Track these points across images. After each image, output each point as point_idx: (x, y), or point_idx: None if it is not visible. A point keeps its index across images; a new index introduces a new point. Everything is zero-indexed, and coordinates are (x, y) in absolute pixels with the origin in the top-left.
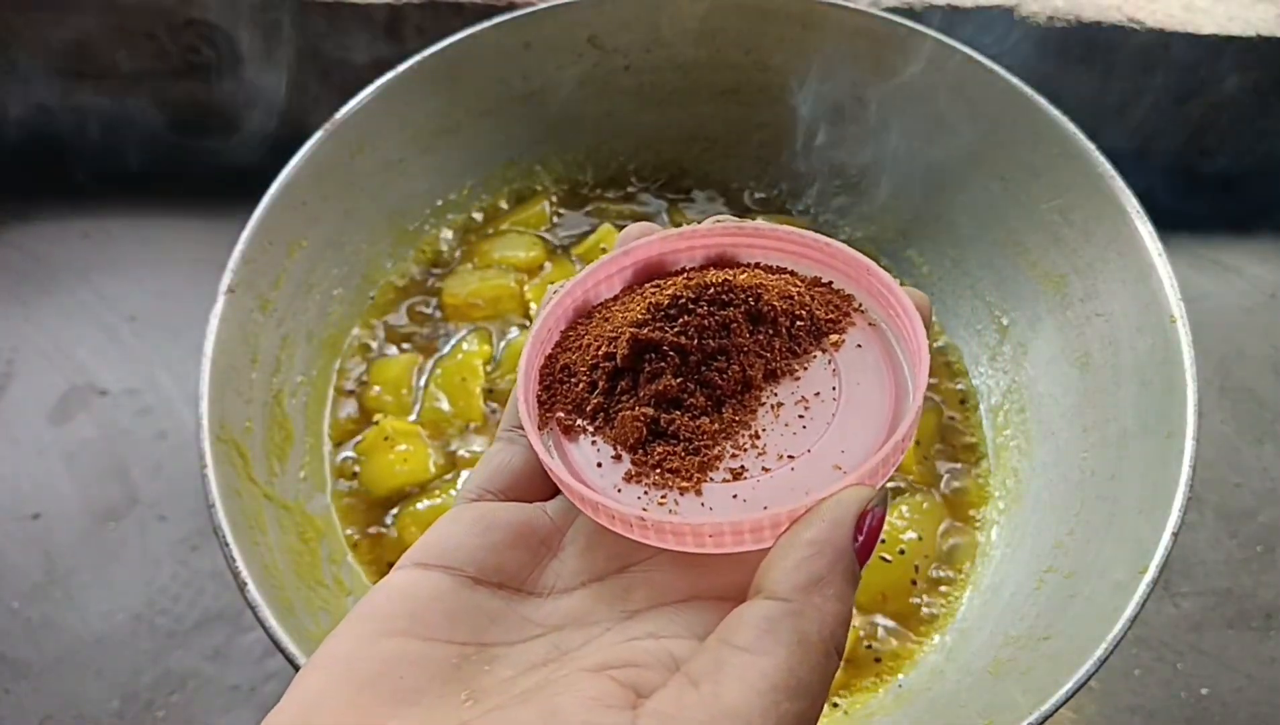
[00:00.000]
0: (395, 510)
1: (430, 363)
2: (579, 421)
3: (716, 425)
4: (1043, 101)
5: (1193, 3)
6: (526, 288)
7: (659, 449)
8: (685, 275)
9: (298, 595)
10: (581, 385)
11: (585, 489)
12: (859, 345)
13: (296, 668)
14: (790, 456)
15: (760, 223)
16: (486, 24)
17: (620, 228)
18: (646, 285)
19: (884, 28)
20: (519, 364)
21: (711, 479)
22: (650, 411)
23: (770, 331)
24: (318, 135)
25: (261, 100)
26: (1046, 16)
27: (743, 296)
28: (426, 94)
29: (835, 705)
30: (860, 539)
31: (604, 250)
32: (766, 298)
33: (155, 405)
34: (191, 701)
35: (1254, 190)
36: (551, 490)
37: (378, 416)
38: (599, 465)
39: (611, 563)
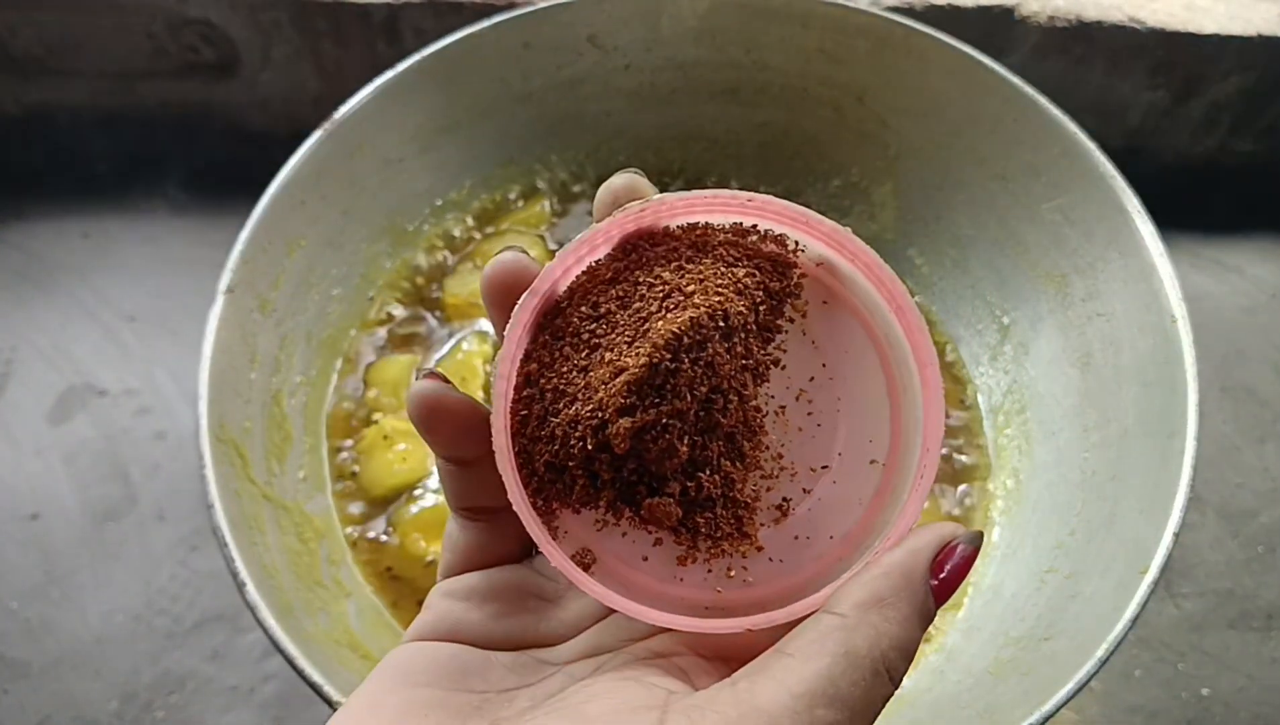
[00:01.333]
0: (394, 510)
1: (430, 363)
2: (595, 517)
3: (739, 464)
4: (1044, 101)
5: (1194, 2)
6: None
7: (699, 519)
8: (626, 323)
9: (297, 596)
10: (580, 482)
11: (656, 613)
12: (823, 301)
13: (296, 668)
14: (824, 466)
15: (663, 196)
16: (486, 23)
17: None
18: (577, 331)
19: (884, 27)
20: (495, 454)
21: (763, 526)
22: (677, 486)
23: (743, 336)
24: (317, 135)
25: (260, 99)
26: (1047, 16)
27: (713, 325)
28: (426, 93)
29: None
30: (941, 576)
31: None
32: (733, 310)
33: (154, 405)
34: (190, 702)
35: (1255, 190)
36: (528, 548)
37: (377, 416)
38: (645, 559)
39: None
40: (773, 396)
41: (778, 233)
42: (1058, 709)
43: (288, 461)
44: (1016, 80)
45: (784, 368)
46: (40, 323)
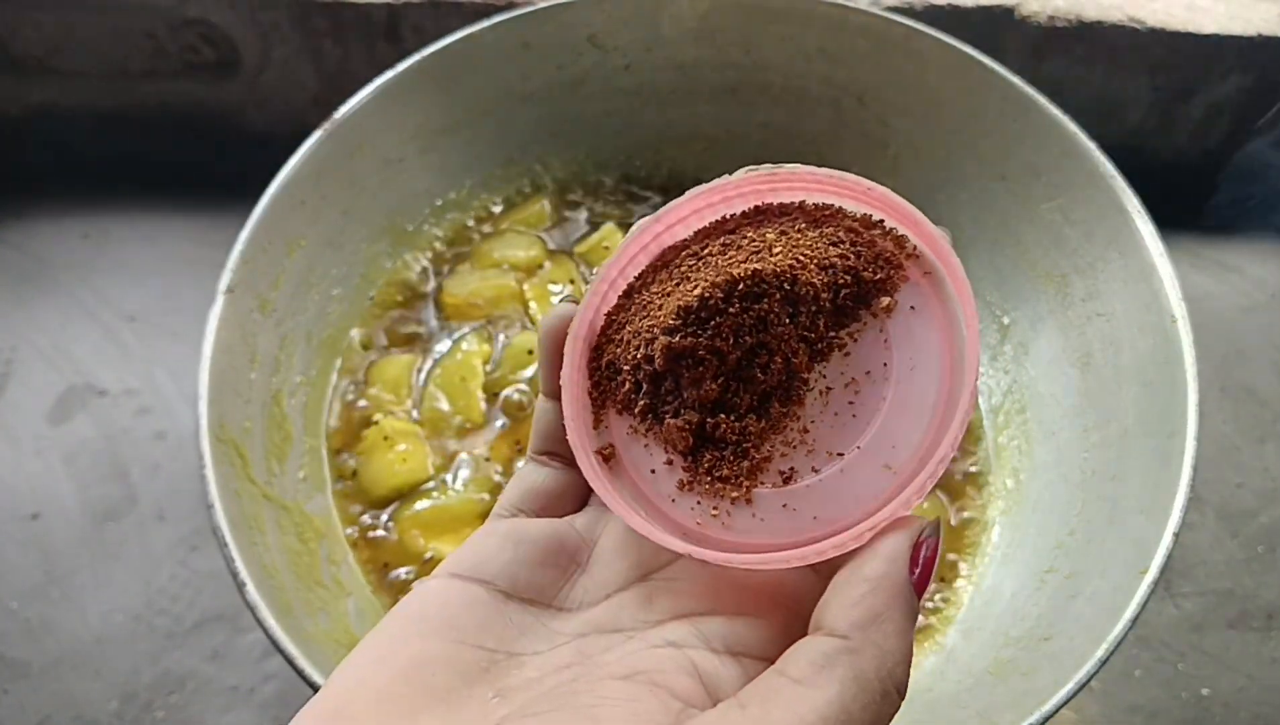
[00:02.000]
0: (394, 510)
1: (430, 362)
2: (631, 422)
3: (764, 422)
4: (1044, 101)
5: (1194, 2)
6: (526, 287)
7: (708, 455)
8: (713, 265)
9: (297, 596)
10: (627, 384)
11: (637, 519)
12: (912, 306)
13: (296, 668)
14: (840, 453)
15: (796, 166)
16: (486, 23)
17: (621, 227)
18: (680, 263)
19: (884, 27)
20: (563, 365)
21: (762, 484)
22: (695, 417)
23: (813, 309)
24: (317, 135)
25: (260, 99)
26: (1047, 16)
27: (776, 284)
28: (426, 93)
29: None
30: (917, 572)
31: (606, 249)
32: (804, 279)
33: (154, 405)
34: (190, 702)
35: (1255, 190)
36: (582, 502)
37: (377, 416)
38: (653, 472)
39: (633, 571)
40: (825, 376)
41: (901, 233)
42: (1058, 709)
43: (288, 461)
44: (1016, 80)
45: (848, 354)
46: (40, 323)
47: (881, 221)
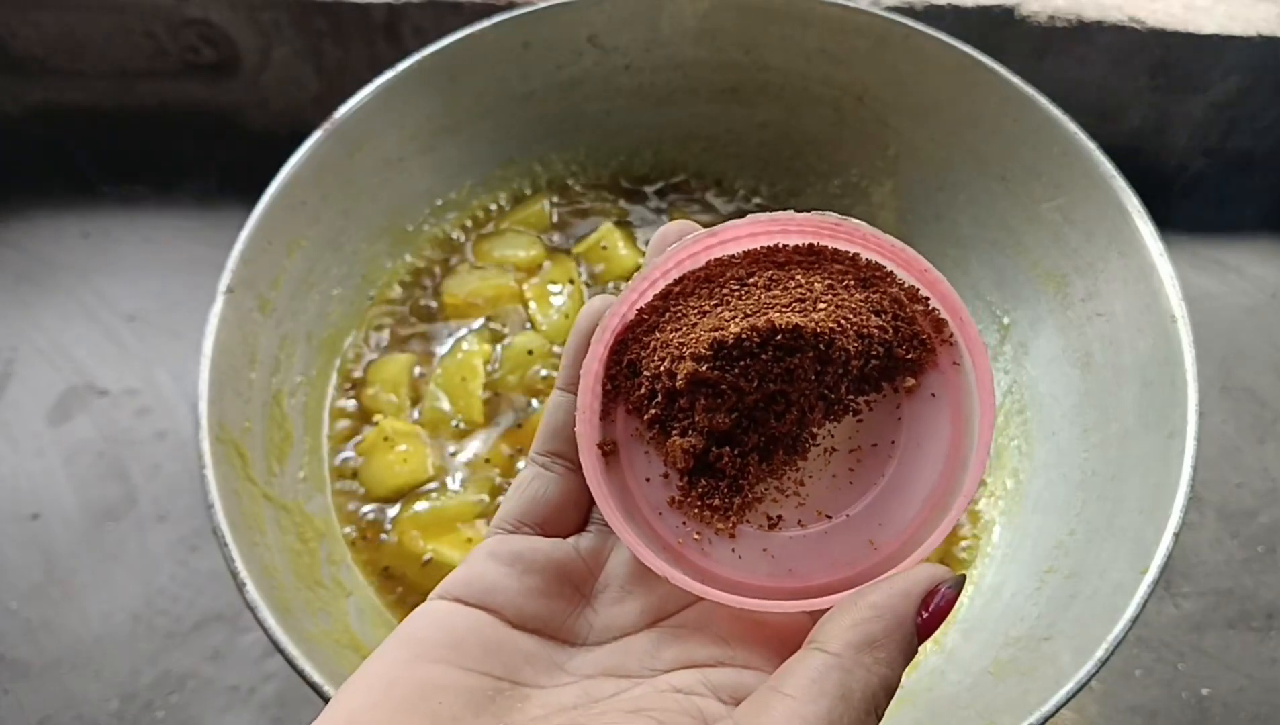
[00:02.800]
0: (395, 510)
1: (430, 363)
2: (638, 425)
3: (765, 465)
4: (1044, 101)
5: (1193, 2)
6: (526, 287)
7: (704, 482)
8: (756, 299)
9: (297, 596)
10: (644, 388)
11: (627, 530)
12: (933, 394)
13: (296, 668)
14: (828, 516)
15: (862, 223)
16: (486, 23)
17: (620, 227)
18: (723, 283)
19: (884, 27)
20: (584, 358)
21: (748, 522)
22: (701, 442)
23: (839, 371)
24: (317, 135)
25: (260, 99)
26: (1047, 16)
27: (812, 342)
28: (426, 93)
29: None
30: (925, 616)
31: (604, 249)
32: (840, 344)
33: (154, 405)
34: (190, 702)
35: (1255, 190)
36: (585, 520)
37: (377, 416)
38: (647, 480)
39: (644, 617)
40: (833, 436)
41: (942, 316)
42: (1058, 709)
43: (288, 461)
44: (1016, 80)
45: (860, 421)
46: (41, 323)
47: (927, 299)
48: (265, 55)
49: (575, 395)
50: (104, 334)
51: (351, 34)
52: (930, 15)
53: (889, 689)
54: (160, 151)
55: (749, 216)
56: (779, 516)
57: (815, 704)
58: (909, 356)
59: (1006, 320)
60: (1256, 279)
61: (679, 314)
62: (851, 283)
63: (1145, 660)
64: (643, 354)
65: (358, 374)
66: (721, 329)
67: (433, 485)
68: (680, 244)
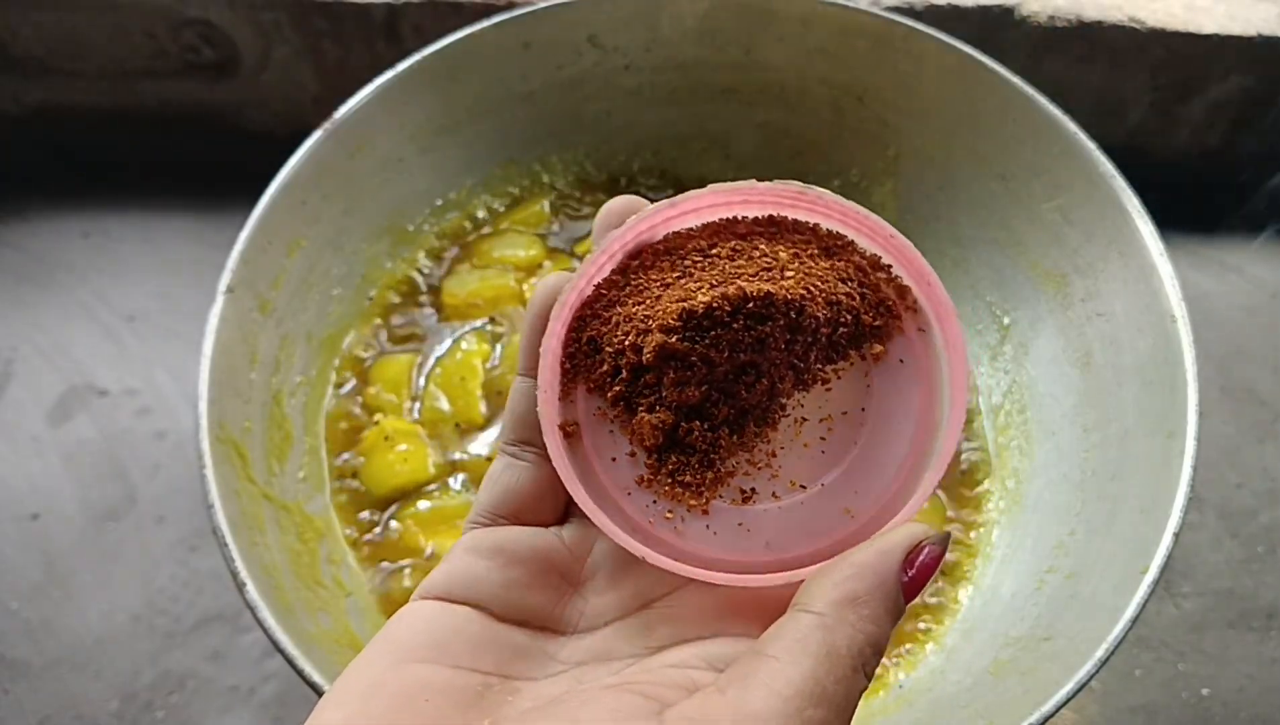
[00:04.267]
0: (395, 510)
1: (429, 362)
2: (600, 403)
3: (736, 438)
4: (1044, 101)
5: (1193, 2)
6: (526, 287)
7: (674, 458)
8: (721, 270)
9: (297, 596)
10: (606, 366)
11: (598, 512)
12: (901, 360)
13: (296, 668)
14: (802, 486)
15: (825, 192)
16: (486, 23)
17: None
18: (685, 255)
19: (884, 27)
20: (543, 337)
21: (721, 497)
22: (669, 418)
23: (809, 340)
24: (317, 135)
25: (260, 99)
26: (1047, 16)
27: (784, 310)
28: (426, 93)
29: None
30: (910, 574)
31: None
32: (810, 311)
33: (154, 405)
34: (190, 702)
35: (1255, 190)
36: (563, 508)
37: (377, 416)
38: (614, 459)
39: (633, 600)
40: (803, 406)
41: (905, 283)
42: (1058, 709)
43: (288, 461)
44: (1017, 80)
45: (829, 389)
46: (41, 323)
47: (889, 267)
48: (265, 55)
49: (536, 379)
50: (104, 334)
51: (351, 34)
52: (930, 15)
53: (876, 647)
54: (160, 151)
55: (709, 186)
56: (752, 489)
57: (799, 664)
58: (876, 323)
59: (1006, 320)
60: (1256, 279)
61: (640, 287)
62: (815, 252)
63: (1145, 660)
64: (604, 330)
65: (358, 374)
66: (689, 300)
67: (433, 485)
68: (638, 216)
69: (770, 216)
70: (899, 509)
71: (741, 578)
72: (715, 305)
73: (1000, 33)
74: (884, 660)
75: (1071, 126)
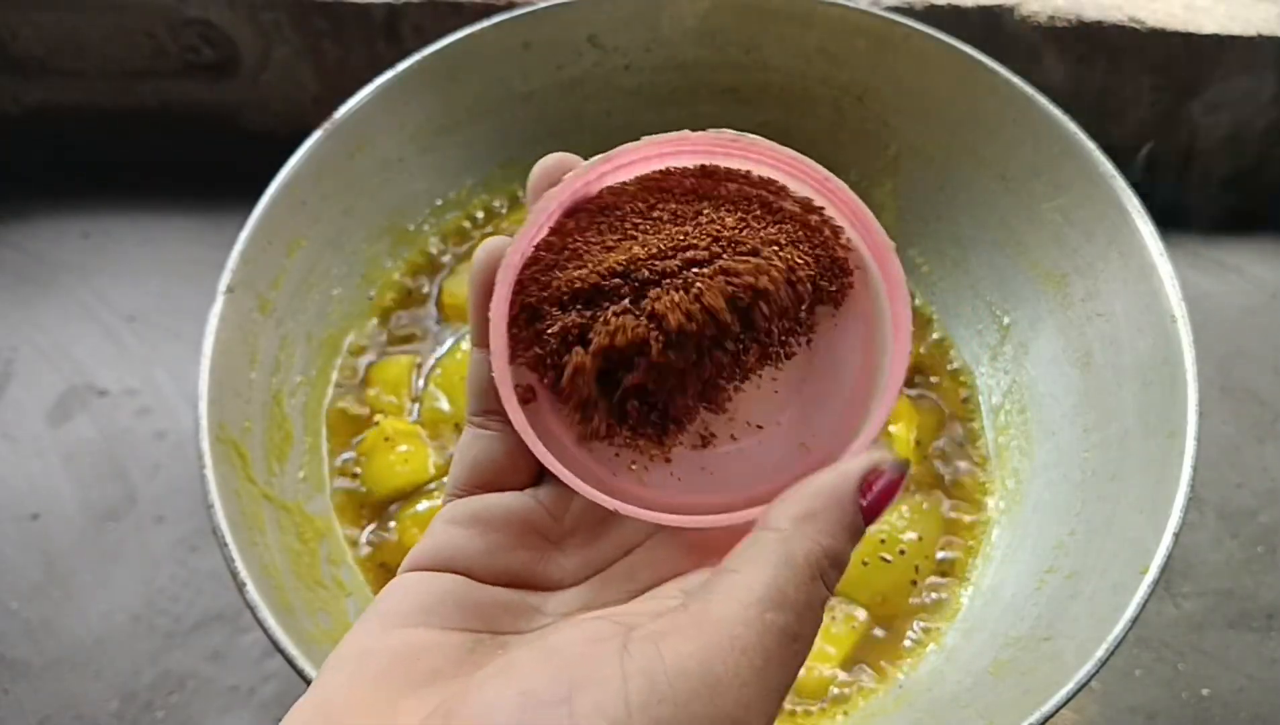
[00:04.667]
0: (395, 510)
1: (430, 363)
2: (550, 354)
3: (703, 404)
4: (1044, 101)
5: (1193, 2)
6: None
7: (629, 405)
8: (667, 236)
9: (297, 596)
10: (553, 331)
11: (563, 469)
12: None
13: (296, 668)
14: (759, 426)
15: (758, 138)
16: (486, 23)
17: None
18: (624, 216)
19: (884, 27)
20: (491, 300)
21: (680, 443)
22: (636, 379)
23: (771, 327)
24: (317, 135)
25: (260, 99)
26: (1047, 16)
27: (747, 310)
28: (426, 93)
29: (837, 705)
30: (868, 498)
31: None
32: (774, 301)
33: (154, 405)
34: (190, 702)
35: (1256, 190)
36: (535, 471)
37: (378, 417)
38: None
39: (614, 551)
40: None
41: (838, 224)
42: (1058, 709)
43: (288, 461)
44: (1016, 80)
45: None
46: (41, 323)
47: (821, 209)
48: (265, 55)
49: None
50: (104, 334)
51: (351, 34)
52: (930, 15)
53: (833, 558)
54: (160, 151)
55: (644, 137)
56: (711, 434)
57: (760, 573)
58: (832, 288)
59: (1006, 320)
60: (1257, 279)
61: (579, 251)
62: (758, 211)
63: (1145, 660)
64: (544, 295)
65: (358, 374)
66: (655, 309)
67: (433, 485)
68: (574, 173)
69: (702, 167)
70: (854, 437)
71: (709, 518)
72: (682, 325)
73: (1000, 33)
74: (883, 661)
75: (1071, 126)
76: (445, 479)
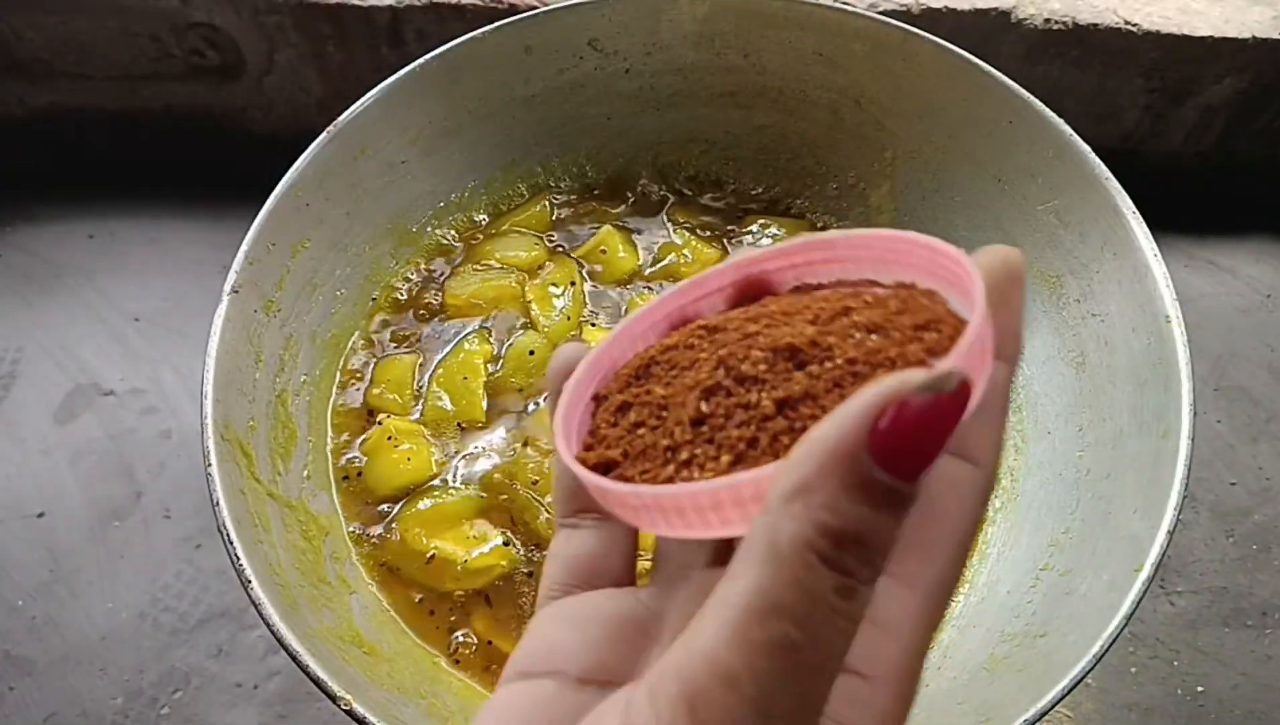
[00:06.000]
0: (398, 509)
1: (432, 362)
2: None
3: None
4: (1039, 104)
5: (1188, 5)
6: (527, 287)
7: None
8: (742, 336)
9: (301, 593)
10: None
11: (616, 486)
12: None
13: (300, 665)
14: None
15: (835, 234)
16: (488, 28)
17: (620, 229)
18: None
19: (881, 31)
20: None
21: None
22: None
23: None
24: (321, 138)
25: (264, 103)
26: (1043, 19)
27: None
28: (428, 97)
29: None
30: (888, 441)
31: (603, 252)
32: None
33: (159, 405)
34: (195, 699)
35: (1249, 192)
36: (633, 569)
37: (381, 416)
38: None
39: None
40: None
41: (927, 287)
42: (1053, 705)
43: (292, 460)
44: (1012, 83)
45: None
46: (47, 323)
47: (913, 284)
48: (269, 59)
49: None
50: (110, 334)
51: (355, 38)
52: (926, 19)
53: (841, 536)
54: (165, 154)
55: (730, 259)
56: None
57: (743, 577)
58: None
59: None
60: (1250, 279)
61: (665, 381)
62: (860, 332)
63: (1140, 657)
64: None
65: (362, 374)
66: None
67: (436, 483)
68: (661, 297)
69: (796, 287)
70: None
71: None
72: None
73: (996, 36)
74: None
75: (1066, 129)
76: (447, 477)
